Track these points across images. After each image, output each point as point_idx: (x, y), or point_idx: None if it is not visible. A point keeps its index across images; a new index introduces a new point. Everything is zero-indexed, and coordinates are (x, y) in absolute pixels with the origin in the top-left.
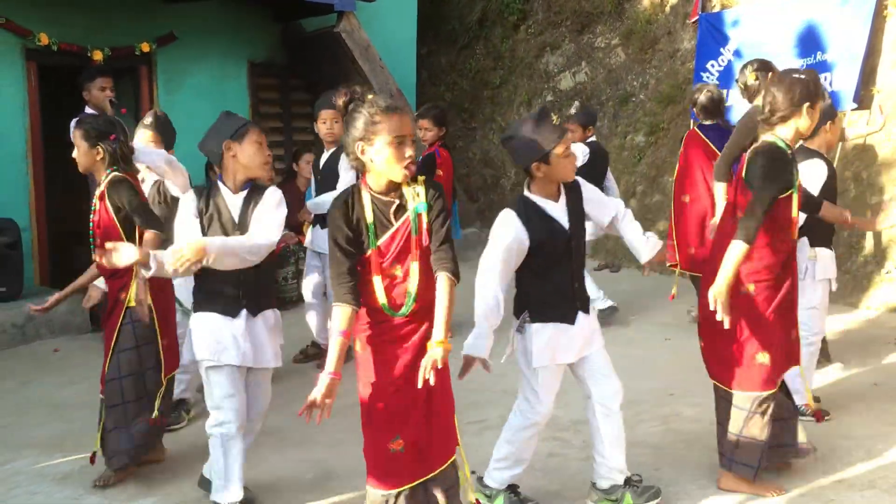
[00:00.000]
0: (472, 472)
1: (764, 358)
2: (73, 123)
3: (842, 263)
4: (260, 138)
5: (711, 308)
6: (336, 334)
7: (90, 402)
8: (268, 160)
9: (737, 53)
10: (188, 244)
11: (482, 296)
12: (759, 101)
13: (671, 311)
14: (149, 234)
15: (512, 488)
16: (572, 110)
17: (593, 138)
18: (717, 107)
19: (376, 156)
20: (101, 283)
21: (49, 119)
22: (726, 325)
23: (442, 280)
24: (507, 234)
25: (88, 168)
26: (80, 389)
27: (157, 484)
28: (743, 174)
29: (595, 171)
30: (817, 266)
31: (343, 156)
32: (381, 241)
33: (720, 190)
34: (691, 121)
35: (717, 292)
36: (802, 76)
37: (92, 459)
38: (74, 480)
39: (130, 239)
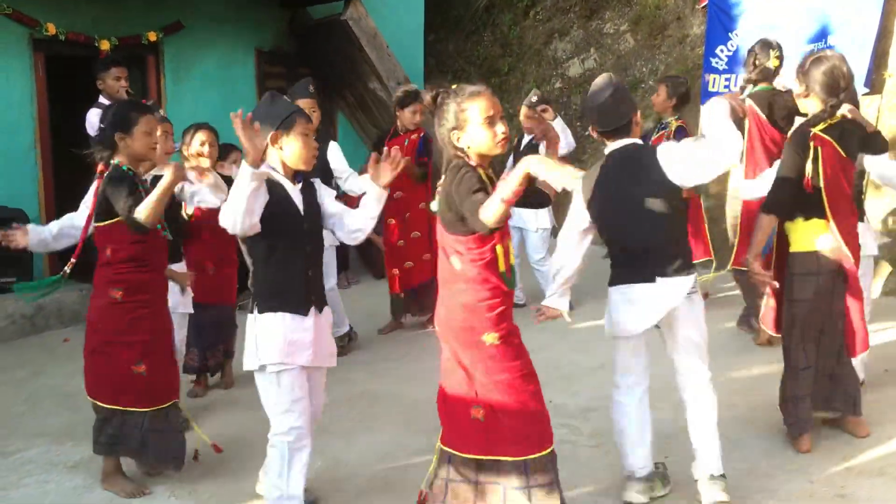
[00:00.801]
0: None
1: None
2: (90, 113)
3: None
4: (307, 129)
5: None
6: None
7: None
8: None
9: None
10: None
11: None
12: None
13: None
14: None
15: None
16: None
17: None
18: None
19: (472, 140)
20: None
21: (57, 109)
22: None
23: None
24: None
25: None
26: None
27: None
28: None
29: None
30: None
31: (330, 145)
32: None
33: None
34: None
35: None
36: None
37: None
38: (85, 469)
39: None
